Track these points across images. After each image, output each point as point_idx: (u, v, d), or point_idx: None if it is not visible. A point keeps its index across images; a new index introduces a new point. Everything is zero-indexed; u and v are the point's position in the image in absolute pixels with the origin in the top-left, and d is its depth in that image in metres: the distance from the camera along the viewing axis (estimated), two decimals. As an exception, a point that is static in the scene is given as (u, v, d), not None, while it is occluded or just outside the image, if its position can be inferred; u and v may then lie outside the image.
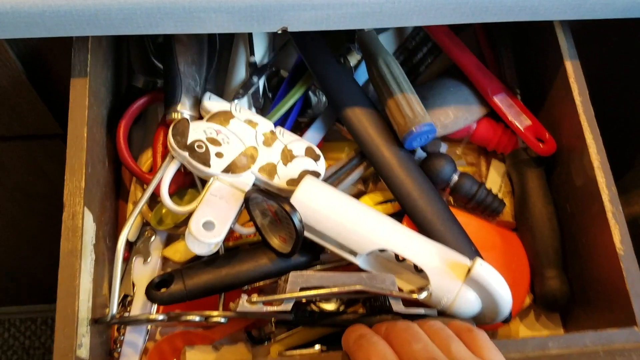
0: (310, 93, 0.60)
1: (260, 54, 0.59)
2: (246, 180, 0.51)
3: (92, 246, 0.47)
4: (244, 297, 0.45)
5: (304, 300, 0.47)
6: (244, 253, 0.51)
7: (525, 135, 0.55)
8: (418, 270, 0.49)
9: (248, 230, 0.52)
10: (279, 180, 0.52)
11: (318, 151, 0.54)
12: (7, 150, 0.73)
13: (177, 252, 0.54)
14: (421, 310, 0.46)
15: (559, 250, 0.54)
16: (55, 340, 0.42)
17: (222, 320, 0.48)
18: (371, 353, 0.40)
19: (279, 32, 0.60)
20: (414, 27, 0.63)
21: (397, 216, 0.54)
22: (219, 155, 0.51)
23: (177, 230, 0.55)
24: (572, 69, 0.53)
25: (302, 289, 0.45)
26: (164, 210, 0.54)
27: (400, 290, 0.48)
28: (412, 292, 0.47)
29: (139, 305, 0.53)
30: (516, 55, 0.61)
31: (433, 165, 0.54)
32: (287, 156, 0.53)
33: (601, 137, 0.50)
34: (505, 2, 0.47)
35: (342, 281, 0.46)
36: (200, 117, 0.54)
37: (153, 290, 0.49)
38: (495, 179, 0.58)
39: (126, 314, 0.53)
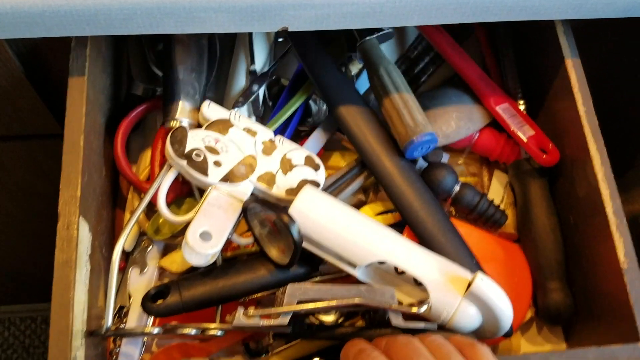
0: (311, 102, 0.59)
1: (260, 62, 0.58)
2: (244, 189, 0.50)
3: (87, 256, 0.46)
4: (240, 310, 0.44)
5: (302, 312, 0.47)
6: (242, 264, 0.50)
7: (528, 145, 0.54)
8: (418, 283, 0.48)
9: (246, 240, 0.51)
10: (278, 190, 0.51)
11: (318, 160, 0.53)
12: (7, 150, 0.73)
13: (174, 263, 0.54)
14: (421, 325, 0.45)
15: (562, 262, 0.53)
16: (49, 353, 0.42)
17: (219, 333, 0.47)
18: (371, 368, 0.39)
19: (281, 36, 0.60)
20: (416, 36, 0.63)
21: (398, 226, 0.53)
22: (217, 164, 0.50)
23: (174, 240, 0.54)
24: (576, 77, 0.52)
25: (299, 302, 0.45)
26: (161, 220, 0.54)
27: (400, 303, 0.47)
28: (411, 305, 0.46)
29: (135, 317, 0.52)
30: (517, 57, 0.61)
31: (434, 176, 0.54)
32: (287, 165, 0.52)
33: (603, 136, 0.50)
34: (506, 2, 0.46)
35: (341, 294, 0.45)
36: (199, 125, 0.53)
37: (149, 302, 0.48)
38: (497, 190, 0.58)
39: (122, 326, 0.52)
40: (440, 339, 0.42)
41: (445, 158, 0.58)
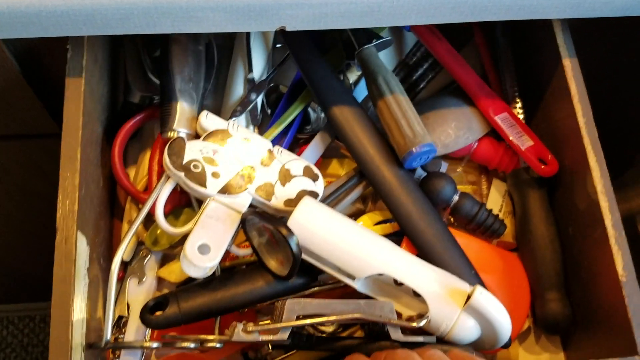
0: (310, 109, 0.59)
1: (258, 70, 0.58)
2: (243, 201, 0.50)
3: (85, 270, 0.46)
4: (240, 326, 0.44)
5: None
6: (240, 275, 0.50)
7: (526, 155, 0.54)
8: (417, 294, 0.48)
9: (244, 251, 0.51)
10: (277, 201, 0.51)
11: (316, 170, 0.53)
12: (5, 149, 0.73)
13: (173, 273, 0.53)
14: (420, 339, 0.46)
15: (560, 273, 0.53)
16: (48, 369, 0.42)
17: (218, 345, 0.47)
18: (370, 384, 0.40)
19: (279, 42, 0.60)
20: (415, 42, 0.62)
21: (397, 236, 0.53)
22: (215, 175, 0.50)
23: (172, 250, 0.54)
24: (576, 88, 0.51)
25: (299, 317, 0.45)
26: (159, 231, 0.53)
27: (399, 314, 0.48)
28: (410, 319, 0.47)
29: (134, 327, 0.52)
30: (515, 60, 0.60)
31: (433, 186, 0.53)
32: (285, 176, 0.52)
33: (601, 136, 0.49)
34: (504, 1, 0.46)
35: (340, 309, 0.45)
36: (197, 136, 0.53)
37: (148, 314, 0.48)
38: (496, 199, 0.58)
39: (121, 336, 0.52)
40: (439, 353, 0.42)
41: (444, 167, 0.58)
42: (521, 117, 0.58)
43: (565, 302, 0.52)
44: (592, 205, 0.49)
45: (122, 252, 0.49)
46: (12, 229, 0.96)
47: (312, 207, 0.48)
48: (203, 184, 0.49)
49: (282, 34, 0.58)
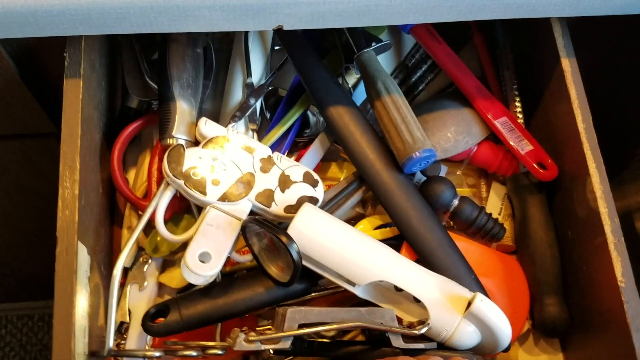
0: (309, 113, 0.59)
1: (257, 74, 0.58)
2: (243, 208, 0.50)
3: (86, 279, 0.46)
4: (242, 335, 0.44)
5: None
6: (241, 281, 0.50)
7: (526, 160, 0.54)
8: (417, 300, 0.48)
9: (245, 258, 0.51)
10: (277, 207, 0.51)
11: (316, 176, 0.53)
12: (3, 149, 0.73)
13: (174, 279, 0.53)
14: (421, 345, 0.46)
15: (559, 277, 0.53)
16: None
17: (220, 352, 0.47)
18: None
19: (276, 45, 0.59)
20: (414, 44, 0.62)
21: (396, 240, 0.53)
22: (215, 182, 0.50)
23: (173, 256, 0.54)
24: (576, 93, 0.51)
25: (300, 326, 0.45)
26: (159, 238, 0.53)
27: (399, 320, 0.48)
28: (411, 325, 0.47)
29: (136, 334, 0.52)
30: (515, 58, 0.60)
31: (433, 190, 0.54)
32: (285, 182, 0.52)
33: (599, 136, 0.49)
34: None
35: (341, 317, 0.45)
36: (196, 142, 0.53)
37: (149, 322, 0.48)
38: (495, 202, 0.58)
39: (122, 342, 0.52)
40: (440, 360, 0.43)
41: (443, 171, 0.58)
42: (520, 117, 0.58)
43: (563, 306, 0.53)
44: (591, 211, 0.49)
45: (123, 262, 0.49)
46: (11, 228, 0.96)
47: (313, 214, 0.48)
48: (203, 192, 0.49)
49: (280, 38, 0.57)
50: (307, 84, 0.55)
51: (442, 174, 0.58)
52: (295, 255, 0.46)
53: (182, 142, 0.52)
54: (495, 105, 0.56)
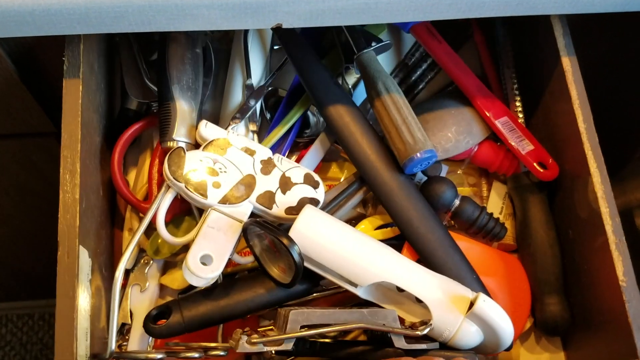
0: (309, 113, 0.58)
1: (257, 76, 0.57)
2: (244, 210, 0.50)
3: (88, 282, 0.46)
4: (244, 337, 0.44)
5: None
6: (242, 282, 0.50)
7: (526, 159, 0.54)
8: (419, 300, 0.48)
9: (246, 259, 0.51)
10: (278, 209, 0.51)
11: (317, 178, 0.53)
12: (2, 148, 0.73)
13: (175, 281, 0.54)
14: (423, 346, 0.46)
15: (560, 277, 0.53)
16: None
17: (222, 354, 0.47)
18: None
19: (276, 44, 0.59)
20: (413, 43, 0.62)
21: (397, 240, 0.53)
22: (216, 185, 0.50)
23: (174, 258, 0.54)
24: (577, 93, 0.51)
25: (302, 327, 0.45)
26: (160, 240, 0.53)
27: (402, 320, 0.48)
28: (413, 326, 0.47)
29: (137, 335, 0.52)
30: (515, 56, 0.60)
31: (434, 190, 0.54)
32: (286, 184, 0.52)
33: (600, 133, 0.49)
34: None
35: (344, 318, 0.45)
36: (197, 145, 0.53)
37: (151, 324, 0.48)
38: (496, 201, 0.58)
39: (124, 344, 0.52)
40: (442, 361, 0.43)
41: (444, 171, 0.58)
42: (521, 116, 0.58)
43: (564, 305, 0.53)
44: (592, 211, 0.49)
45: (124, 266, 0.49)
46: (11, 227, 0.96)
47: (314, 216, 0.48)
48: (204, 194, 0.49)
49: (279, 37, 0.57)
50: (306, 84, 0.55)
51: (443, 173, 0.58)
52: (296, 258, 0.46)
53: (183, 144, 0.52)
54: (495, 105, 0.56)
